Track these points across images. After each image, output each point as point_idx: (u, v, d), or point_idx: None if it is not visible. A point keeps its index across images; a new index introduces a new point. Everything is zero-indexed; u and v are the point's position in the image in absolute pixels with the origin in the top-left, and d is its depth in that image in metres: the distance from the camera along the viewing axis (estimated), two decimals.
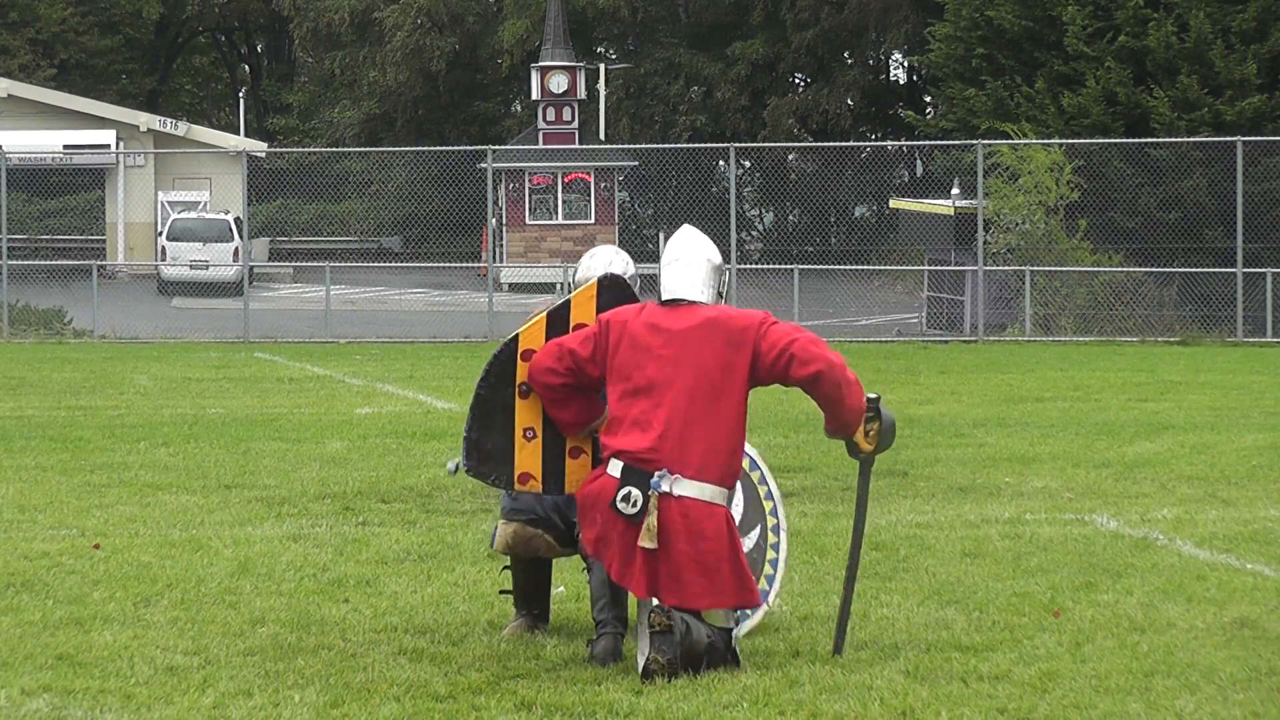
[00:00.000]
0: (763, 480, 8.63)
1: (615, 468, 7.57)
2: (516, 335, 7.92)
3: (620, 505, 7.51)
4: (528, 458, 7.93)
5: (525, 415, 7.91)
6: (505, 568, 8.81)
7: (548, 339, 7.85)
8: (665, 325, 7.65)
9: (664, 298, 7.76)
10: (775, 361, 7.56)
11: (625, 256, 8.68)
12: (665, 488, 7.49)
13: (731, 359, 7.59)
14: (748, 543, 8.47)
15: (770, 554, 8.53)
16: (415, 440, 16.16)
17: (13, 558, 10.16)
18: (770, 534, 8.56)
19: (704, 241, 7.88)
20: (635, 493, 7.50)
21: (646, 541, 7.46)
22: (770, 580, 8.46)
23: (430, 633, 8.28)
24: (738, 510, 8.45)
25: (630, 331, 7.67)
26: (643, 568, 7.48)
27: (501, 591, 8.90)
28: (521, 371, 7.86)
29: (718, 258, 7.88)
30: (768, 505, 8.59)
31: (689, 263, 7.79)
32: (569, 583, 9.09)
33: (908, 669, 7.55)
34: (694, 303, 7.72)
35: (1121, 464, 14.47)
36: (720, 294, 7.84)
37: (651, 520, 7.46)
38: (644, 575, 7.49)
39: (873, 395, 7.72)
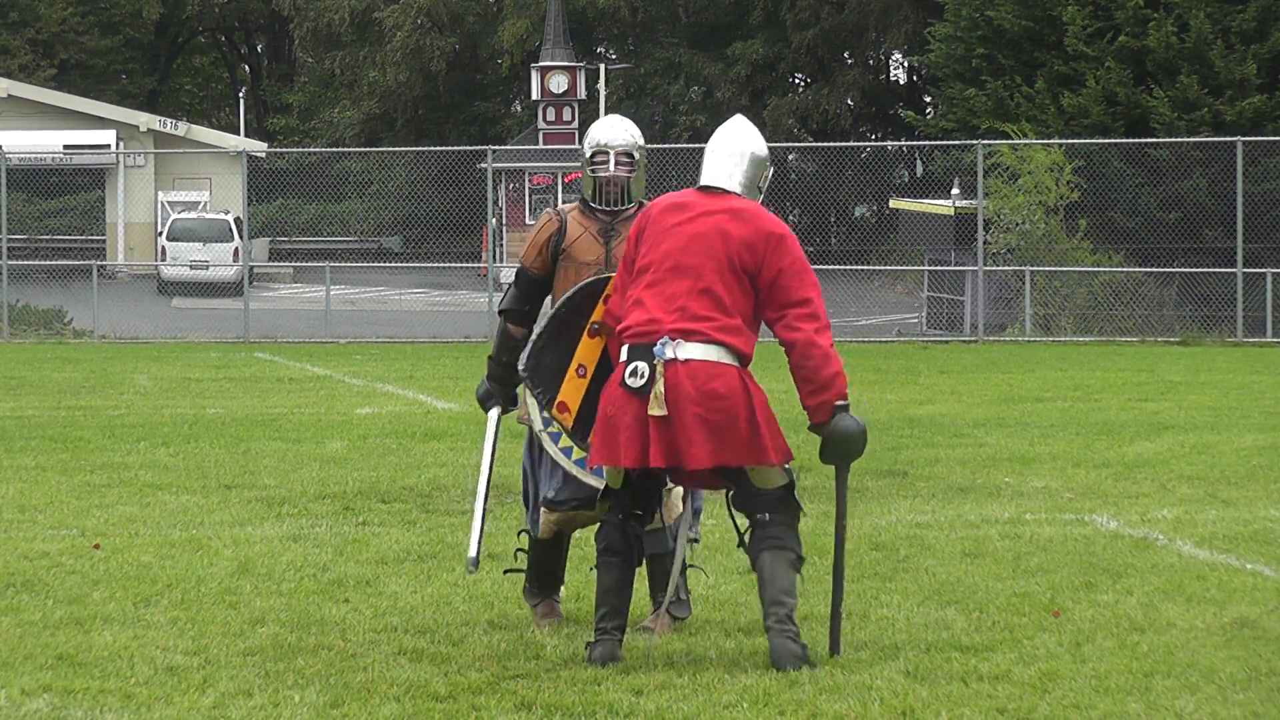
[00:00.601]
0: None
1: (623, 352, 7.56)
2: (607, 277, 7.93)
3: (629, 381, 7.46)
4: (572, 391, 7.95)
5: (584, 352, 7.93)
6: (519, 550, 8.77)
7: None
8: (690, 206, 7.65)
9: (700, 183, 7.74)
10: (767, 295, 7.54)
11: (629, 124, 8.78)
12: (669, 354, 7.44)
13: (743, 256, 7.53)
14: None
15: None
16: (415, 440, 16.16)
17: (13, 558, 10.16)
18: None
19: (749, 133, 7.81)
20: (641, 365, 7.46)
21: (655, 409, 7.39)
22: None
23: (430, 633, 8.28)
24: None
25: (653, 216, 7.69)
26: (657, 439, 7.42)
27: (508, 570, 8.90)
28: (598, 312, 7.89)
29: (763, 150, 7.79)
30: None
31: (729, 153, 7.75)
32: (568, 583, 9.08)
33: (908, 669, 7.55)
34: (727, 192, 7.68)
35: (1121, 464, 14.47)
36: (760, 189, 7.76)
37: (658, 387, 7.40)
38: (659, 446, 7.42)
39: (840, 402, 7.62)
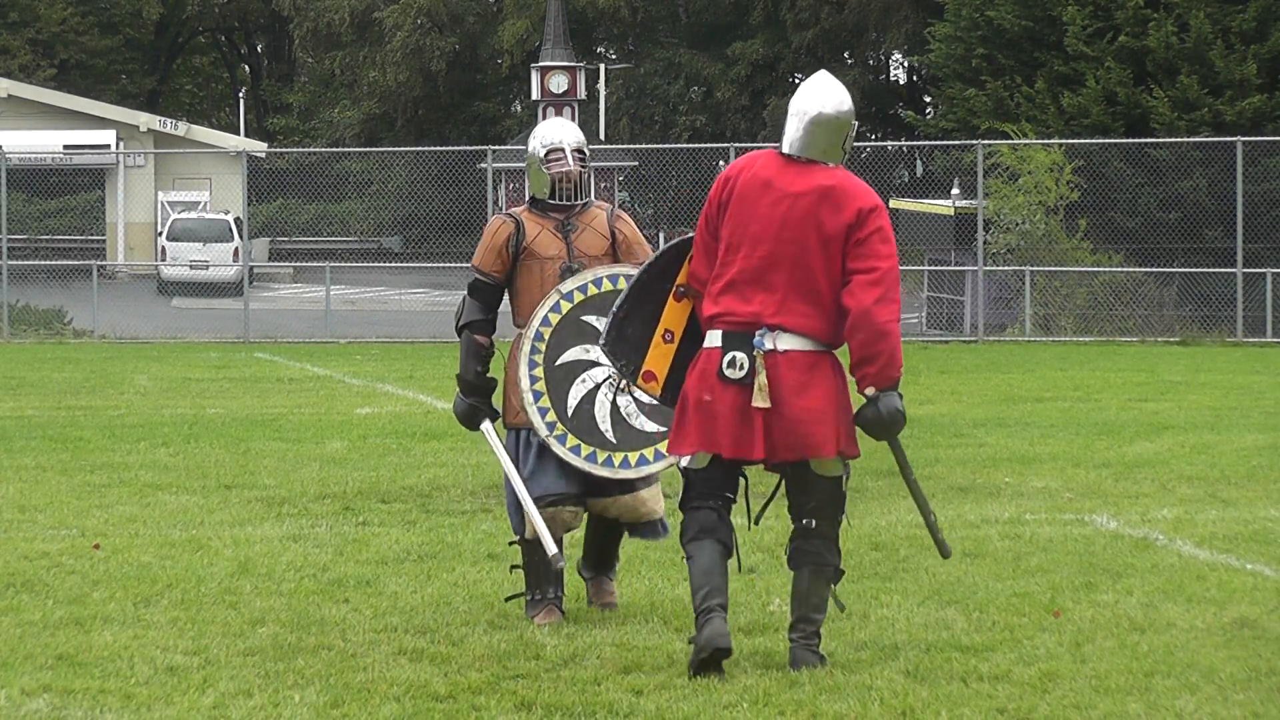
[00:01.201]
0: None
1: (715, 338, 7.45)
2: (690, 238, 7.78)
3: (728, 372, 7.39)
4: (658, 359, 7.86)
5: (671, 317, 7.82)
6: (514, 566, 8.83)
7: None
8: (779, 183, 7.46)
9: (784, 150, 7.54)
10: (846, 260, 7.40)
11: (574, 125, 8.93)
12: (769, 345, 7.37)
13: (836, 234, 7.40)
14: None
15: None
16: (415, 440, 16.16)
17: (13, 558, 10.16)
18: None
19: (838, 92, 7.57)
20: (740, 356, 7.38)
21: (760, 400, 7.33)
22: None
23: (430, 633, 8.28)
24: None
25: (739, 187, 7.50)
26: (761, 430, 7.37)
27: (509, 598, 8.88)
28: (683, 274, 7.77)
29: (847, 108, 7.55)
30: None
31: (818, 120, 7.52)
32: (567, 582, 9.08)
33: (908, 669, 7.55)
34: (815, 162, 7.52)
35: (1121, 464, 14.47)
36: (844, 150, 7.56)
37: (761, 379, 7.35)
38: (762, 437, 7.37)
39: (884, 388, 7.47)
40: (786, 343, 7.40)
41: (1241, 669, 7.55)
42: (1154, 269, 34.45)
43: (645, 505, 8.67)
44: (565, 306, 8.51)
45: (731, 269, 7.47)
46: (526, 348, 8.48)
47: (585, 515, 8.70)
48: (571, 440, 8.50)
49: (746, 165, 7.57)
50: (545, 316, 8.49)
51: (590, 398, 8.54)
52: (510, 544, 8.91)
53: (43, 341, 33.00)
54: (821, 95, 7.54)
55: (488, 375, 8.78)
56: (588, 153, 8.85)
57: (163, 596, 9.10)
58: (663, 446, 8.48)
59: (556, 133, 8.83)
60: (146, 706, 7.06)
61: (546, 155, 8.75)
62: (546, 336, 8.51)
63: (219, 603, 8.95)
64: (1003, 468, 14.29)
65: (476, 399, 8.79)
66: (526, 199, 8.94)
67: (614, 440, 8.53)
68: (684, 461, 7.60)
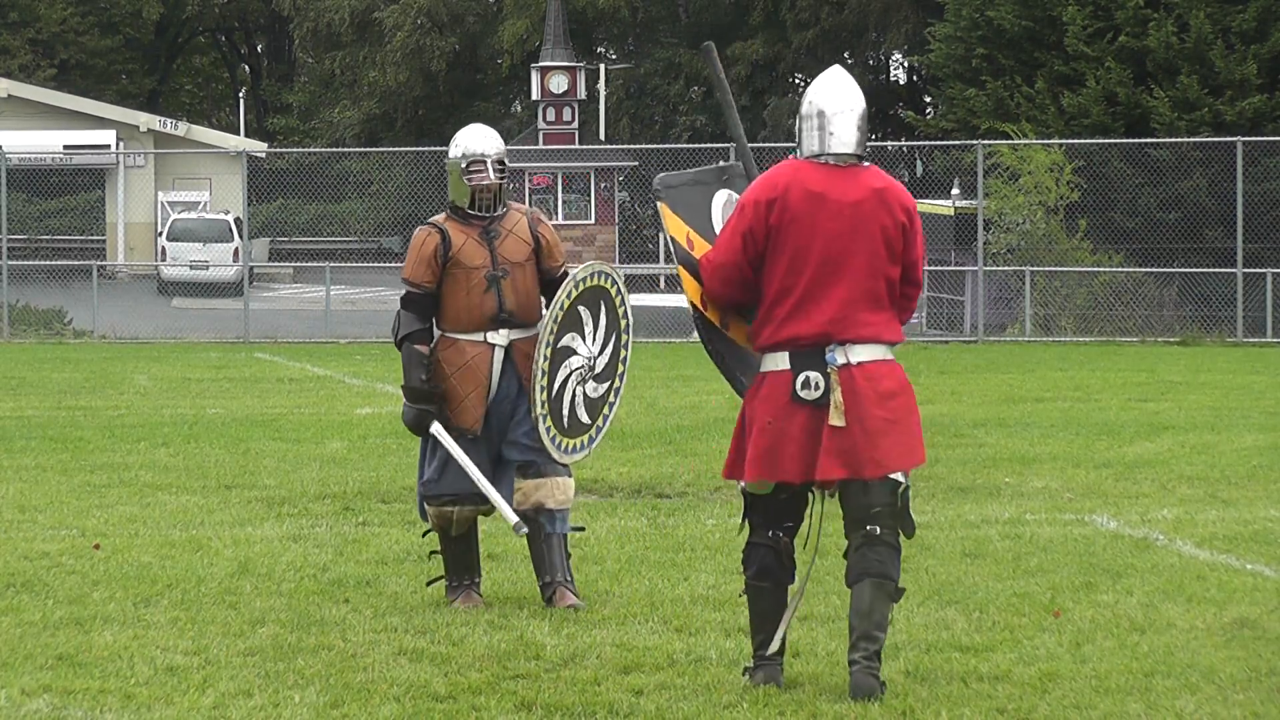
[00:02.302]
0: (622, 297, 8.89)
1: (780, 360, 7.18)
2: (693, 303, 7.48)
3: (802, 394, 7.12)
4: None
5: (740, 334, 7.51)
6: (433, 553, 9.17)
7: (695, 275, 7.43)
8: (831, 195, 7.20)
9: (824, 153, 7.28)
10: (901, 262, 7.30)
11: (495, 133, 9.08)
12: (841, 360, 7.13)
13: (895, 235, 7.23)
14: (603, 359, 8.76)
15: (606, 410, 8.94)
16: (414, 440, 16.11)
17: (13, 558, 10.16)
18: (612, 395, 8.94)
19: (854, 84, 7.44)
20: (814, 376, 7.12)
21: (837, 419, 7.06)
22: (595, 435, 8.90)
23: (430, 633, 8.28)
24: (601, 334, 8.72)
25: (793, 205, 7.19)
26: (831, 450, 7.07)
27: (429, 582, 9.20)
28: (694, 297, 7.44)
29: (863, 99, 7.43)
30: (620, 310, 8.89)
31: (849, 114, 7.33)
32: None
33: (908, 669, 7.55)
34: (855, 162, 7.29)
35: (1121, 464, 14.47)
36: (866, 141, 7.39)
37: (837, 396, 7.09)
38: (833, 457, 7.08)
39: None
40: (859, 354, 7.15)
41: (1241, 669, 7.55)
42: (1154, 269, 34.45)
43: (568, 491, 8.98)
44: (550, 340, 8.74)
45: (796, 289, 7.17)
46: (536, 397, 8.68)
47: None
48: (569, 443, 8.85)
49: (790, 182, 7.24)
50: (543, 368, 8.71)
51: (573, 401, 8.82)
52: (424, 535, 9.26)
53: (43, 341, 33.01)
54: (846, 86, 7.39)
55: (431, 382, 8.95)
56: (507, 163, 9.00)
57: (163, 596, 9.10)
58: (612, 397, 8.89)
59: (479, 144, 8.96)
60: (146, 706, 7.06)
61: (468, 166, 8.92)
62: (546, 386, 8.73)
63: (219, 603, 8.95)
64: (1003, 468, 14.29)
65: (424, 404, 8.94)
66: (446, 205, 9.10)
67: (587, 421, 8.86)
68: (743, 484, 7.33)
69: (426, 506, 9.01)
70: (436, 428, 8.93)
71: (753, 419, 7.24)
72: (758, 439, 7.19)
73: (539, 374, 8.64)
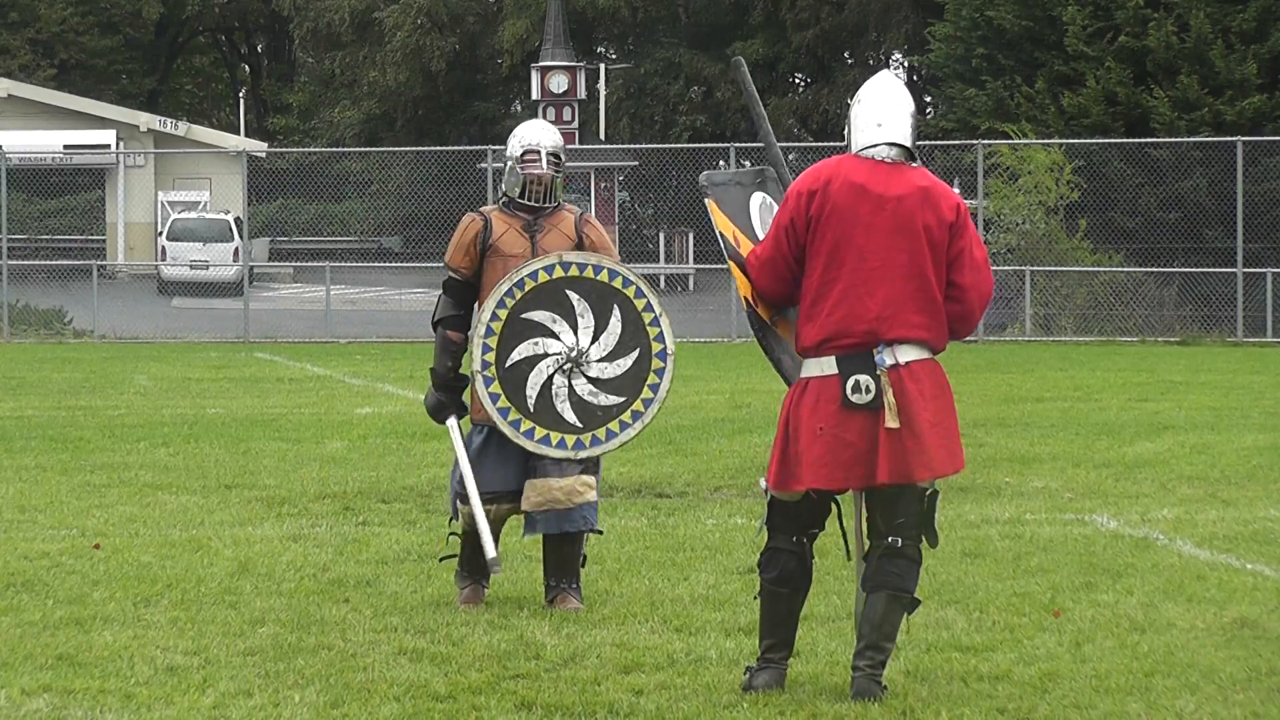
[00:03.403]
0: (648, 308, 8.73)
1: (827, 365, 7.03)
2: (745, 298, 7.45)
3: (853, 398, 6.96)
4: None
5: (788, 332, 7.43)
6: (452, 533, 9.09)
7: (746, 269, 7.35)
8: (875, 189, 7.05)
9: (875, 144, 7.14)
10: (952, 272, 7.17)
11: (554, 128, 9.10)
12: (890, 360, 6.98)
13: (941, 235, 7.10)
14: (616, 368, 8.57)
15: (653, 378, 8.72)
16: (415, 440, 16.16)
17: (13, 558, 10.16)
18: (627, 415, 8.70)
19: (904, 87, 7.29)
20: (864, 379, 6.97)
21: (893, 421, 6.93)
22: (648, 404, 8.69)
23: (430, 633, 8.28)
24: (610, 339, 8.57)
25: (835, 196, 7.06)
26: (888, 453, 6.93)
27: (443, 558, 9.23)
28: (745, 291, 7.38)
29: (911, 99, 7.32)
30: (653, 331, 8.72)
31: (900, 108, 7.18)
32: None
33: (908, 669, 7.55)
34: (902, 158, 7.15)
35: (1121, 464, 14.47)
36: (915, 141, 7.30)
37: (889, 397, 6.95)
38: (890, 460, 6.94)
39: None
40: (906, 354, 7.02)
41: (1241, 669, 7.55)
42: (1154, 269, 34.46)
43: (578, 487, 8.83)
44: (508, 304, 8.64)
45: (837, 285, 7.05)
46: (478, 354, 8.59)
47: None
48: (540, 431, 8.67)
49: (833, 174, 7.12)
50: (489, 326, 8.60)
51: (547, 388, 8.67)
52: (450, 520, 9.10)
53: (43, 341, 33.01)
54: (895, 85, 7.28)
55: (459, 371, 8.96)
56: (563, 157, 9.00)
57: (163, 596, 9.10)
58: (627, 417, 8.65)
59: (535, 135, 9.01)
60: (146, 706, 7.06)
61: (522, 156, 8.96)
62: (494, 346, 8.62)
63: (219, 603, 8.95)
64: (1003, 468, 14.29)
65: (446, 394, 8.96)
66: (500, 196, 9.12)
67: (579, 424, 8.68)
68: (765, 486, 7.21)
69: (459, 505, 8.91)
70: (451, 423, 8.90)
71: (798, 426, 7.08)
72: (811, 446, 7.03)
73: (481, 329, 8.53)
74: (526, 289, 8.64)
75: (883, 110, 7.17)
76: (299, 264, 46.43)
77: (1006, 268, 34.40)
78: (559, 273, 8.68)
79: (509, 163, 8.99)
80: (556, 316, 8.68)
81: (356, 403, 20.37)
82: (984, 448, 15.63)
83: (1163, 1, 38.70)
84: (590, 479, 8.88)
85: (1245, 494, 12.87)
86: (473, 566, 8.96)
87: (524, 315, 8.64)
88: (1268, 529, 11.24)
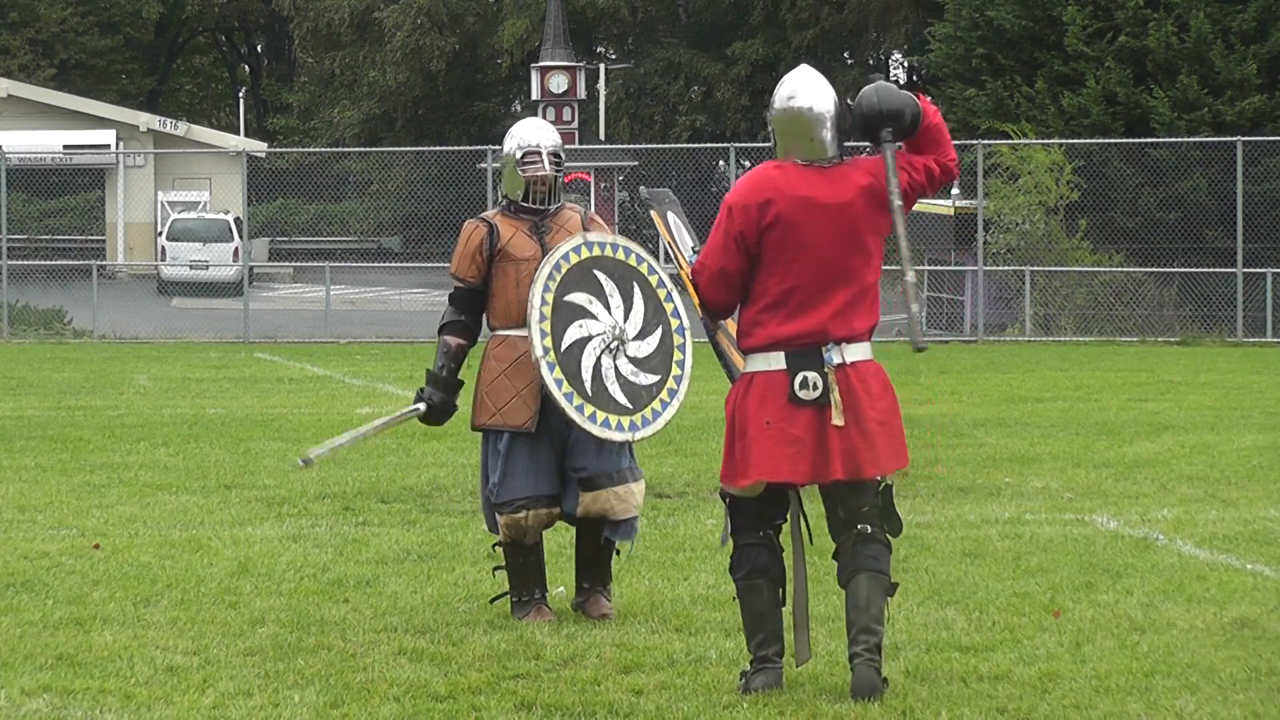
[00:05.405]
0: (661, 284, 8.66)
1: (775, 360, 7.13)
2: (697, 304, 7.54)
3: (801, 394, 7.07)
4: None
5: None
6: (497, 567, 8.88)
7: (695, 279, 7.40)
8: (820, 198, 7.13)
9: (803, 158, 7.20)
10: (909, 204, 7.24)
11: (551, 127, 8.95)
12: (837, 360, 7.10)
13: (880, 222, 7.21)
14: (648, 346, 8.48)
15: (678, 354, 8.61)
16: (415, 440, 16.15)
17: (13, 558, 10.16)
18: (665, 394, 8.55)
19: (825, 81, 7.31)
20: (812, 376, 7.08)
21: (838, 419, 7.03)
22: (679, 380, 8.59)
23: (430, 633, 8.28)
24: (638, 317, 8.48)
25: (782, 209, 7.13)
26: (839, 449, 7.04)
27: (493, 599, 8.91)
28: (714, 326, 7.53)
29: (831, 93, 7.31)
30: (669, 306, 8.65)
31: (824, 115, 7.23)
32: (569, 583, 9.09)
33: (908, 669, 7.55)
34: (838, 158, 7.22)
35: (1121, 464, 14.47)
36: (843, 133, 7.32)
37: (835, 395, 7.06)
38: (842, 457, 7.06)
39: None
40: (853, 354, 7.14)
41: (1241, 669, 7.55)
42: (1154, 269, 34.45)
43: (634, 498, 8.75)
44: (552, 288, 8.48)
45: (795, 294, 7.13)
46: (537, 340, 8.42)
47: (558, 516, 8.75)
48: (601, 415, 8.43)
49: (779, 185, 7.18)
50: (541, 311, 8.44)
51: (598, 371, 8.47)
52: (494, 547, 8.92)
53: (43, 341, 33.00)
54: (818, 83, 7.28)
55: (456, 375, 8.83)
56: (564, 155, 8.86)
57: (163, 596, 9.10)
58: (665, 395, 8.53)
59: (534, 135, 8.81)
60: (146, 706, 7.06)
61: (523, 158, 8.76)
62: (549, 331, 8.45)
63: (219, 603, 8.95)
64: (1003, 468, 14.29)
65: (439, 393, 8.83)
66: (500, 199, 8.98)
67: (629, 405, 8.49)
68: (727, 489, 7.27)
69: (497, 517, 8.68)
70: (422, 406, 8.83)
71: (745, 421, 7.17)
72: (758, 439, 7.12)
73: (534, 314, 8.32)
74: (564, 270, 8.47)
75: (811, 120, 7.20)
76: (299, 264, 46.43)
77: (1006, 268, 34.39)
78: (585, 253, 8.52)
79: (508, 164, 8.80)
80: (592, 297, 8.50)
81: (356, 403, 20.36)
82: (984, 448, 15.63)
83: (1163, 1, 38.69)
84: (641, 486, 8.79)
85: (1245, 494, 12.87)
86: (525, 581, 8.66)
87: (566, 299, 8.44)
88: (1268, 529, 11.24)
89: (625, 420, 8.48)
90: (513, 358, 8.65)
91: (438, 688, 7.29)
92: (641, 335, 8.59)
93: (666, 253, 7.96)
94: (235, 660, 7.77)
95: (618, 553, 8.92)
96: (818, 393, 7.10)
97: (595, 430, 8.38)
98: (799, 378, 7.10)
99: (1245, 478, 13.66)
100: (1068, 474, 13.91)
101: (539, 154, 8.76)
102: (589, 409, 8.40)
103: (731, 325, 7.55)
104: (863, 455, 7.09)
